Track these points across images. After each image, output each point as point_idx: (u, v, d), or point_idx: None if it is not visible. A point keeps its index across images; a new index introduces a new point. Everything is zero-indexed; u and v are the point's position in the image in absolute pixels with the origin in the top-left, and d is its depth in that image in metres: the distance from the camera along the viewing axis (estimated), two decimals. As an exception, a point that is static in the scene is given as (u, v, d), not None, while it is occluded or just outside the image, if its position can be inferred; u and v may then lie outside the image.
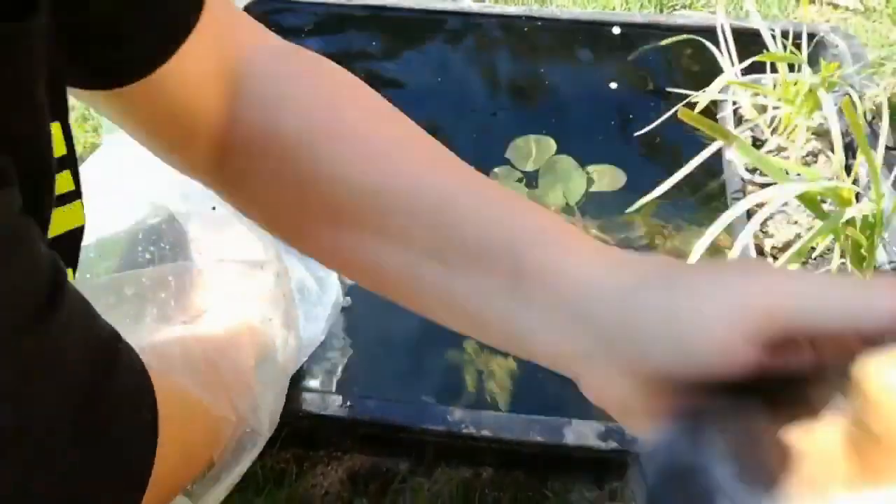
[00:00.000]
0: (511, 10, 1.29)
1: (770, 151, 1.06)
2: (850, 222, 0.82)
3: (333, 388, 0.94)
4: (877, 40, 1.36)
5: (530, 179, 1.20)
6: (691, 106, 0.96)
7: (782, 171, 0.78)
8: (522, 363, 1.08)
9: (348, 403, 0.84)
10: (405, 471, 0.96)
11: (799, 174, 0.85)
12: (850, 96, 0.95)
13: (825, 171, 1.01)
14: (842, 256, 0.90)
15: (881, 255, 0.94)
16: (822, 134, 1.04)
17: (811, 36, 1.19)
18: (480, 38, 1.32)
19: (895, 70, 1.28)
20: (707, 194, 1.15)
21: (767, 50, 1.01)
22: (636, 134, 1.06)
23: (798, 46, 1.05)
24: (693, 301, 0.31)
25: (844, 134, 1.06)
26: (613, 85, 1.24)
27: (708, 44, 1.06)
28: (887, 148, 1.03)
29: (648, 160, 1.16)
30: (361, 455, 0.97)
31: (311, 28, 1.34)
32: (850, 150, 1.03)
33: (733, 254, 0.85)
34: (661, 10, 1.41)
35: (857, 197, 0.87)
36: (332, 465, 0.96)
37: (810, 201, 0.80)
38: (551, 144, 1.21)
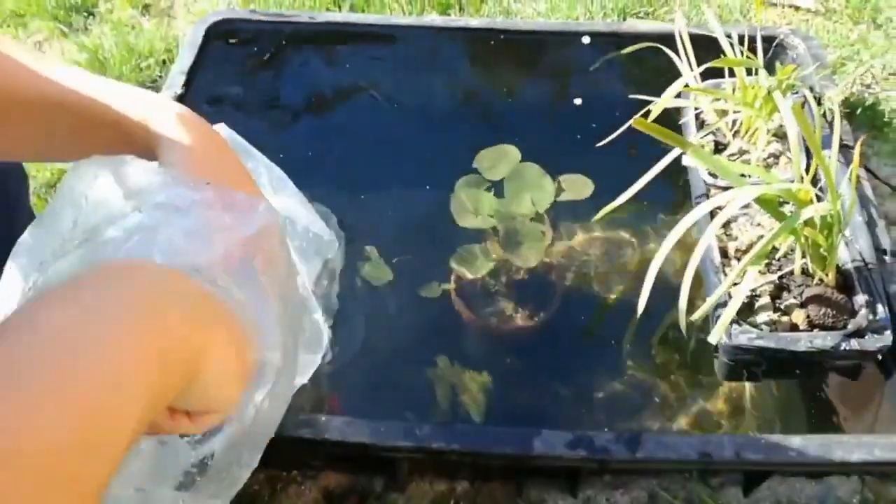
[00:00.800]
0: (474, 22, 1.30)
1: (732, 155, 1.06)
2: (809, 223, 0.83)
3: (304, 409, 0.93)
4: (837, 41, 1.38)
5: (498, 189, 1.21)
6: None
7: (739, 175, 0.78)
8: (495, 376, 1.09)
9: (317, 422, 0.84)
10: (380, 488, 0.95)
11: (757, 178, 0.85)
12: (805, 98, 0.96)
13: (786, 172, 1.02)
14: (803, 256, 0.91)
15: (844, 254, 0.95)
16: (783, 136, 1.05)
17: (771, 39, 1.20)
18: (446, 51, 1.33)
19: (856, 69, 1.30)
20: (674, 198, 1.16)
21: (725, 55, 1.02)
22: (598, 145, 1.06)
23: (757, 51, 1.06)
24: None
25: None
26: (578, 94, 1.25)
27: (668, 51, 1.07)
28: (843, 146, 1.05)
29: (615, 168, 1.16)
30: (335, 474, 0.97)
31: (278, 44, 1.34)
32: (810, 150, 1.04)
33: (696, 256, 0.86)
34: (624, 18, 1.42)
35: (818, 198, 0.88)
36: (305, 485, 0.95)
37: (768, 204, 0.81)
38: (516, 154, 1.21)
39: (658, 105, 0.90)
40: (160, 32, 1.52)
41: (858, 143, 0.81)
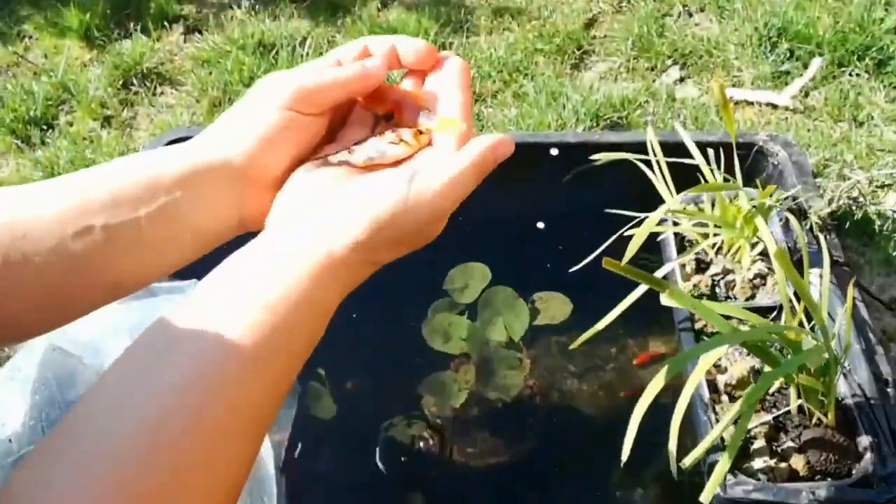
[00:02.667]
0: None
1: (716, 275, 0.99)
2: (803, 367, 0.75)
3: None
4: (818, 140, 1.33)
5: (471, 311, 1.13)
6: (624, 237, 0.90)
7: (720, 319, 0.70)
8: None
9: None
10: None
11: (740, 320, 0.78)
12: (788, 218, 0.89)
13: (775, 294, 0.95)
14: (799, 396, 0.83)
15: (843, 387, 0.87)
16: (769, 254, 0.98)
17: (749, 146, 1.15)
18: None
19: (840, 171, 1.24)
20: (657, 312, 1.08)
21: (703, 173, 0.97)
22: (571, 270, 1.00)
23: (734, 158, 1.00)
24: None
25: (793, 250, 1.00)
26: (551, 207, 1.19)
27: (643, 167, 1.01)
28: (836, 263, 0.98)
29: (593, 286, 1.10)
30: None
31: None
32: (799, 268, 0.97)
33: (686, 394, 0.78)
34: (597, 123, 1.37)
35: (812, 336, 0.80)
36: None
37: (757, 349, 0.73)
38: (487, 273, 1.14)
39: (634, 240, 0.83)
40: (119, 146, 1.47)
41: (851, 280, 0.74)
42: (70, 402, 0.61)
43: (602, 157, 0.95)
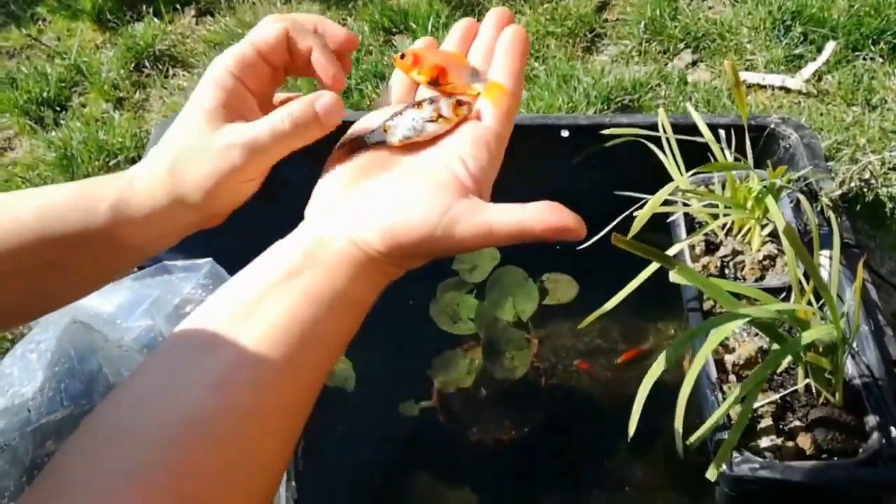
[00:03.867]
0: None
1: (725, 256, 1.00)
2: (811, 345, 0.75)
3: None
4: (831, 124, 1.33)
5: (480, 291, 1.14)
6: (632, 218, 0.90)
7: (729, 297, 0.71)
8: (480, 494, 1.00)
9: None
10: None
11: (749, 299, 0.78)
12: (799, 199, 0.89)
13: (784, 276, 0.95)
14: (807, 376, 0.83)
15: (850, 368, 0.87)
16: (778, 235, 0.98)
17: (761, 128, 1.15)
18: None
19: (852, 156, 1.24)
20: (665, 295, 1.08)
21: (713, 153, 0.97)
22: (578, 248, 1.00)
23: (746, 140, 1.00)
24: None
25: (803, 232, 1.00)
26: (560, 189, 1.19)
27: (654, 148, 1.01)
28: (846, 245, 0.98)
29: (602, 267, 1.10)
30: None
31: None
32: (809, 249, 0.97)
33: (693, 371, 0.78)
34: (608, 106, 1.37)
35: (821, 315, 0.80)
36: None
37: (766, 327, 0.73)
38: (496, 254, 1.15)
39: (641, 215, 0.84)
40: (132, 128, 1.47)
41: (861, 259, 0.74)
42: (90, 374, 0.62)
43: (613, 132, 0.95)
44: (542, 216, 0.42)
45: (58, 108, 1.57)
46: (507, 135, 0.49)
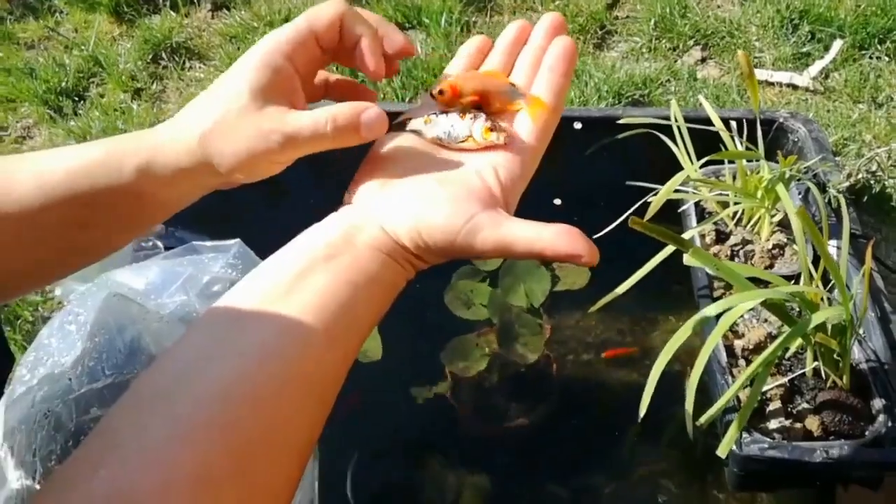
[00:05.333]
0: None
1: (735, 245, 1.02)
2: (821, 327, 0.78)
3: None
4: (838, 121, 1.35)
5: (493, 279, 1.16)
6: (645, 207, 0.93)
7: (741, 277, 0.73)
8: (492, 478, 1.02)
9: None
10: None
11: (760, 281, 0.80)
12: (809, 188, 0.92)
13: (793, 264, 0.98)
14: (815, 359, 0.86)
15: (857, 353, 0.89)
16: (788, 224, 1.01)
17: (770, 122, 1.17)
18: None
19: (859, 150, 1.26)
20: (675, 289, 1.11)
21: (724, 143, 0.99)
22: (595, 237, 1.02)
23: (756, 135, 1.02)
24: None
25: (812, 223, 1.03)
26: (573, 180, 1.21)
27: (666, 139, 1.04)
28: (853, 236, 1.00)
29: (613, 256, 1.12)
30: None
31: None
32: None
33: (701, 359, 0.80)
34: (620, 100, 1.40)
35: (829, 299, 0.83)
36: None
37: (776, 308, 0.76)
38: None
39: (656, 201, 0.86)
40: (150, 118, 1.50)
41: (870, 243, 0.76)
42: (130, 344, 0.64)
43: (627, 122, 0.98)
44: (556, 243, 0.44)
45: (76, 98, 1.60)
46: (543, 150, 0.50)
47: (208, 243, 0.84)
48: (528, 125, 0.50)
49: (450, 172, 0.48)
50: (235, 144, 0.47)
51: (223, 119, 0.48)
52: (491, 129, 0.48)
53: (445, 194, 0.46)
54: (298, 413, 0.41)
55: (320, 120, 0.47)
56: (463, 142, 0.49)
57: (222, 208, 0.88)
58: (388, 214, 0.46)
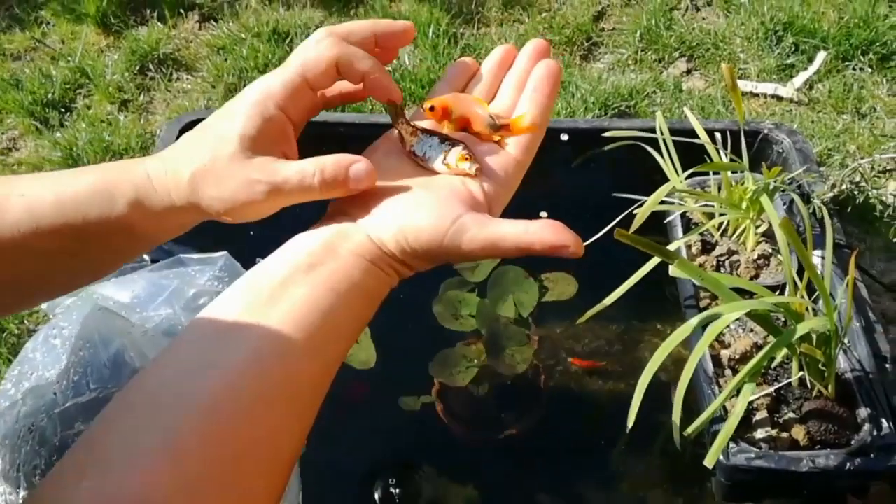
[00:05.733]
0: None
1: (721, 256, 1.03)
2: (805, 337, 0.78)
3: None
4: (822, 131, 1.37)
5: (482, 290, 1.16)
6: (631, 218, 0.93)
7: (726, 288, 0.74)
8: (481, 488, 1.02)
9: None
10: None
11: (746, 291, 0.81)
12: (793, 199, 0.92)
13: (778, 275, 0.98)
14: (801, 369, 0.86)
15: (842, 363, 0.90)
16: (773, 235, 1.01)
17: (755, 133, 1.18)
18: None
19: (842, 162, 1.28)
20: (662, 298, 1.11)
21: (709, 155, 1.00)
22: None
23: (741, 146, 1.03)
24: None
25: (796, 233, 1.04)
26: (560, 191, 1.22)
27: (651, 150, 1.04)
28: (838, 246, 1.01)
29: (600, 266, 1.13)
30: None
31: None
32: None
33: (688, 369, 0.81)
34: (606, 112, 1.41)
35: (814, 310, 0.83)
36: None
37: (761, 318, 0.76)
38: (498, 255, 1.18)
39: (641, 212, 0.87)
40: (136, 129, 1.50)
41: (854, 253, 0.77)
42: (115, 358, 0.64)
43: (613, 135, 0.98)
44: (543, 235, 0.45)
45: (63, 110, 1.59)
46: (527, 163, 0.51)
47: (195, 256, 0.84)
48: (513, 139, 0.51)
49: (434, 179, 0.49)
50: (222, 191, 0.47)
51: (212, 164, 0.47)
52: (465, 158, 0.49)
53: (430, 198, 0.47)
54: (281, 423, 0.41)
55: (308, 171, 0.46)
56: (441, 162, 0.50)
57: (210, 221, 0.88)
58: (372, 221, 0.46)
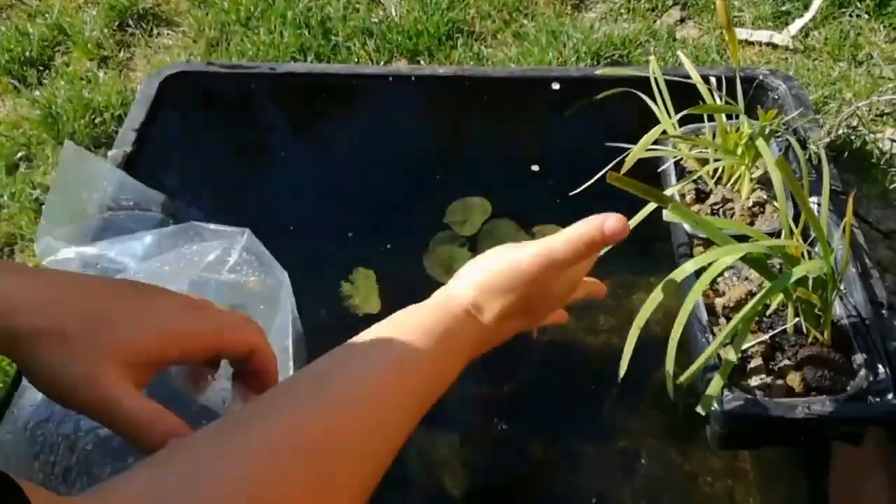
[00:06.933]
0: (441, 70, 1.24)
1: (716, 204, 1.01)
2: (802, 282, 0.76)
3: None
4: (818, 79, 1.34)
5: (472, 244, 1.14)
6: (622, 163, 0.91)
7: (720, 232, 0.72)
8: (471, 443, 1.01)
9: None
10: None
11: (742, 235, 0.79)
12: (790, 143, 0.90)
13: (774, 222, 0.96)
14: (796, 315, 0.85)
15: (839, 309, 0.88)
16: (768, 182, 0.99)
17: (750, 80, 1.15)
18: (414, 100, 1.27)
19: (839, 109, 1.25)
20: (655, 247, 1.10)
21: (704, 101, 0.97)
22: (572, 193, 1.01)
23: (736, 94, 1.01)
24: None
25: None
26: (551, 142, 1.19)
27: (644, 97, 1.02)
28: (832, 191, 0.99)
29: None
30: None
31: (237, 97, 1.28)
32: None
33: (681, 318, 0.79)
34: (598, 62, 1.38)
35: (809, 253, 0.81)
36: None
37: (757, 263, 0.74)
38: (487, 206, 1.15)
39: (632, 155, 0.84)
40: (117, 86, 1.46)
41: (851, 195, 0.75)
42: None
43: (606, 74, 0.96)
44: (594, 223, 0.64)
45: (41, 68, 1.55)
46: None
47: (211, 226, 0.79)
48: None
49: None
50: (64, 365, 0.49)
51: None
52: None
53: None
54: (397, 415, 0.54)
55: (141, 420, 0.48)
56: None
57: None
58: (464, 292, 0.66)
